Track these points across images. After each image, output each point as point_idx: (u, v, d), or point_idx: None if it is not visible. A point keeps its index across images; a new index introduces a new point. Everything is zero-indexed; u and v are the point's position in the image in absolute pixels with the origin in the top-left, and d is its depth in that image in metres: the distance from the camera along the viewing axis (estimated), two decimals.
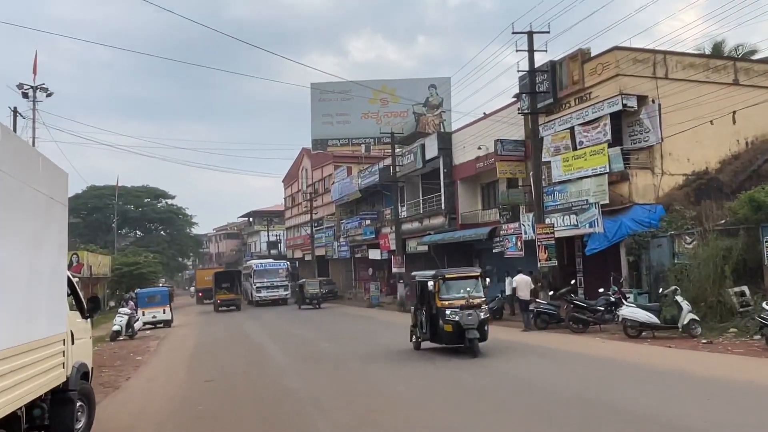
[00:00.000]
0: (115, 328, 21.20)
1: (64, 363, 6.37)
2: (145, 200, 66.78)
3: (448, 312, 12.41)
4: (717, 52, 24.42)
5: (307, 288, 34.94)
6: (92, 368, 7.95)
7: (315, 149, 54.34)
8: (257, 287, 39.64)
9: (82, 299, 7.78)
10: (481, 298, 12.89)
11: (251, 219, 79.48)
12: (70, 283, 6.99)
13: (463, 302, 12.46)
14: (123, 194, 61.50)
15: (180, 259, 74.32)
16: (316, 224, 50.33)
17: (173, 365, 13.95)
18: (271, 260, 46.03)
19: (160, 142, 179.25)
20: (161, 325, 25.95)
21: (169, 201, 69.35)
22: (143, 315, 24.98)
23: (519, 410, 7.72)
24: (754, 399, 7.73)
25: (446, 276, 13.15)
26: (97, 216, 62.27)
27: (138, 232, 69.06)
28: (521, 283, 18.41)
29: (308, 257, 52.79)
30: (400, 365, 12.01)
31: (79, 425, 6.90)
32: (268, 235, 65.88)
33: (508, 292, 21.57)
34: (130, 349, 17.95)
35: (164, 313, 26.11)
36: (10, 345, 4.75)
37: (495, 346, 13.55)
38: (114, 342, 20.44)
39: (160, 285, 41.66)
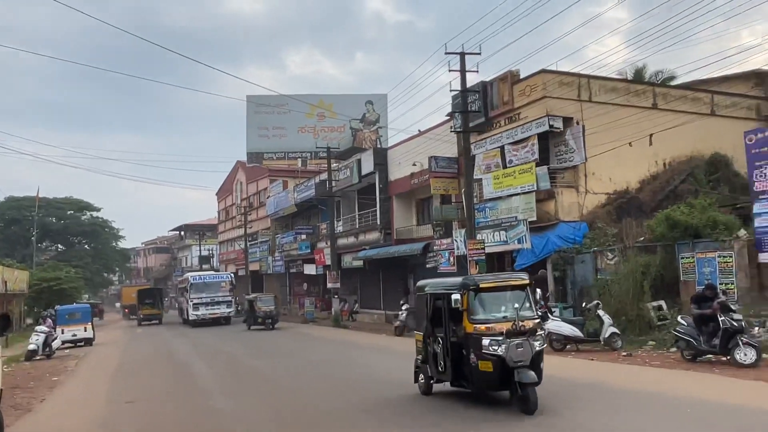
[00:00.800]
0: (31, 347, 20.05)
1: None
2: (68, 212, 63.90)
3: (485, 342, 8.22)
4: (638, 77, 25.78)
5: (259, 305, 30.20)
6: (1, 390, 7.48)
7: (250, 162, 53.57)
8: (194, 304, 34.31)
9: None
10: (534, 319, 8.73)
11: (182, 233, 77.35)
12: None
13: (508, 326, 8.27)
14: (44, 206, 58.64)
15: (105, 275, 71.36)
16: (250, 238, 49.48)
17: (93, 386, 13.31)
18: (211, 272, 42.16)
19: (88, 153, 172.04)
20: (82, 343, 24.73)
21: (95, 213, 66.64)
22: (62, 333, 23.76)
23: None
24: (661, 409, 8.10)
25: (481, 285, 8.80)
26: (15, 228, 59.08)
27: (60, 246, 65.89)
28: None
29: (242, 272, 51.75)
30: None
31: None
32: (200, 249, 64.19)
33: None
34: (46, 369, 17.01)
35: (85, 330, 24.92)
36: None
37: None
38: (30, 362, 19.31)
39: (84, 301, 39.76)
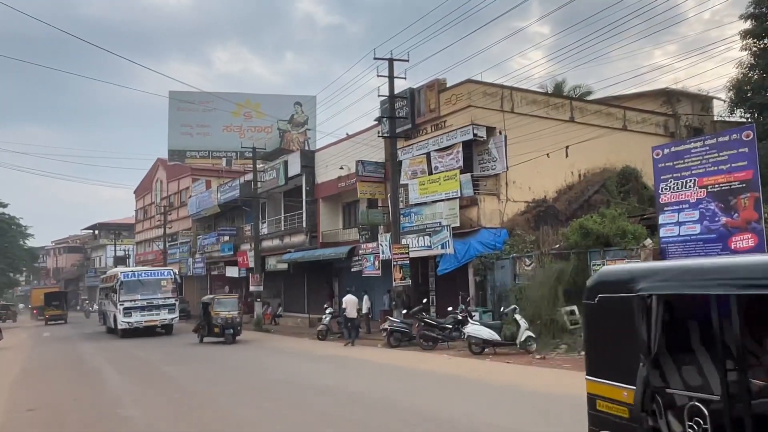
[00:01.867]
0: None
1: None
2: None
3: None
4: (558, 91, 26.89)
5: (217, 309, 22.67)
6: None
7: (172, 160, 51.91)
8: (126, 308, 26.68)
9: None
10: None
11: (96, 232, 73.94)
12: None
13: None
14: None
15: (11, 275, 66.98)
16: (170, 239, 47.91)
17: None
18: (148, 268, 34.19)
19: None
20: None
21: (1, 210, 62.51)
22: None
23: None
24: (567, 408, 8.45)
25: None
26: None
27: None
28: (349, 303, 20.48)
29: None
30: None
31: None
32: (115, 249, 61.53)
33: (364, 310, 22.38)
34: None
35: None
36: None
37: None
38: None
39: None
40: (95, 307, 66.52)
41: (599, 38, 25.57)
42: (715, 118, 26.09)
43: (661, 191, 14.77)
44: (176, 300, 28.26)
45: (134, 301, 26.94)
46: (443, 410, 8.62)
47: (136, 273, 29.18)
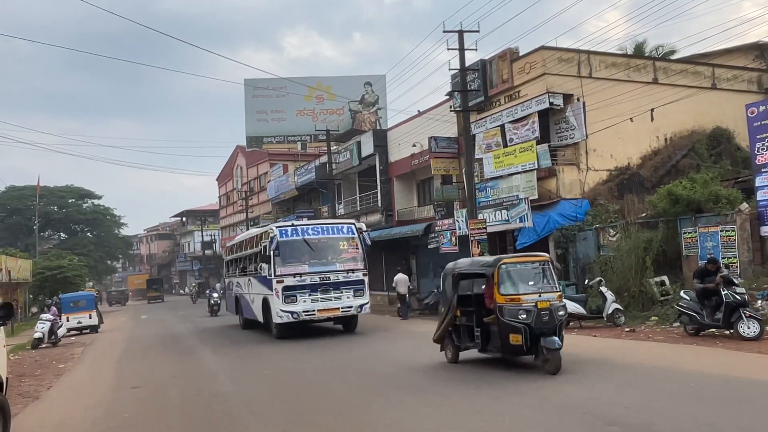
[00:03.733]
0: (37, 335, 20.16)
1: None
2: (70, 201, 63.93)
3: (514, 311, 9.09)
4: (639, 52, 25.52)
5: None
6: (7, 378, 7.51)
7: (250, 147, 53.42)
8: (287, 287, 16.49)
9: None
10: (556, 291, 9.66)
11: (184, 219, 77.41)
12: None
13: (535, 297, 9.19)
14: (45, 195, 58.65)
15: (108, 262, 71.59)
16: (252, 223, 49.51)
17: (99, 372, 13.39)
18: (317, 222, 20.61)
19: (87, 140, 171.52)
20: (87, 330, 24.89)
21: (96, 201, 66.73)
22: (67, 321, 23.90)
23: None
24: (667, 383, 8.12)
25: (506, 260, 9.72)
26: (17, 218, 59.14)
27: (62, 235, 66.03)
28: (399, 281, 22.46)
29: None
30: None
31: None
32: (202, 235, 64.27)
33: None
34: (52, 356, 17.11)
35: (90, 318, 25.05)
36: None
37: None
38: (35, 350, 19.43)
39: (86, 289, 39.95)
40: (186, 290, 70.19)
41: None
42: None
43: (758, 152, 13.83)
44: (365, 273, 17.37)
45: (300, 276, 16.47)
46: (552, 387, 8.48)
47: (300, 229, 17.45)
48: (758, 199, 13.76)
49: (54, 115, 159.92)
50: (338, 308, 16.50)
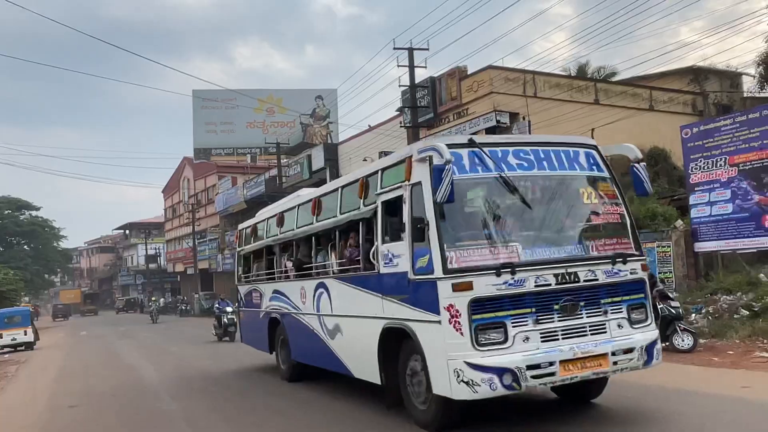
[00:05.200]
0: None
1: None
2: (6, 212, 61.34)
3: None
4: (581, 73, 26.50)
5: None
6: None
7: (198, 158, 52.58)
8: (481, 305, 5.69)
9: None
10: None
11: (127, 231, 75.34)
12: None
13: None
14: None
15: (46, 276, 68.85)
16: (199, 236, 48.60)
17: (34, 391, 12.82)
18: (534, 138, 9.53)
19: (25, 149, 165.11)
20: (22, 348, 23.81)
21: (34, 213, 64.18)
22: (1, 338, 22.84)
23: None
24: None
25: None
26: None
27: None
28: None
29: (190, 271, 50.85)
30: None
31: None
32: (146, 248, 62.64)
33: None
34: None
35: (25, 334, 23.96)
36: None
37: None
38: None
39: (22, 304, 38.25)
40: (117, 305, 68.36)
41: (624, 16, 25.17)
42: (745, 95, 25.46)
43: (691, 171, 14.50)
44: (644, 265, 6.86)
45: (516, 273, 5.82)
46: None
47: (496, 154, 6.34)
48: (692, 216, 14.41)
49: None
50: (605, 354, 6.07)
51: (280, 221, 10.73)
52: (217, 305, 21.52)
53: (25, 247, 62.84)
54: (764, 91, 22.86)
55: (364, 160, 26.96)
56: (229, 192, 43.49)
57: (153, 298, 46.53)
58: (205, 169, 50.60)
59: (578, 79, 23.63)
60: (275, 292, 10.89)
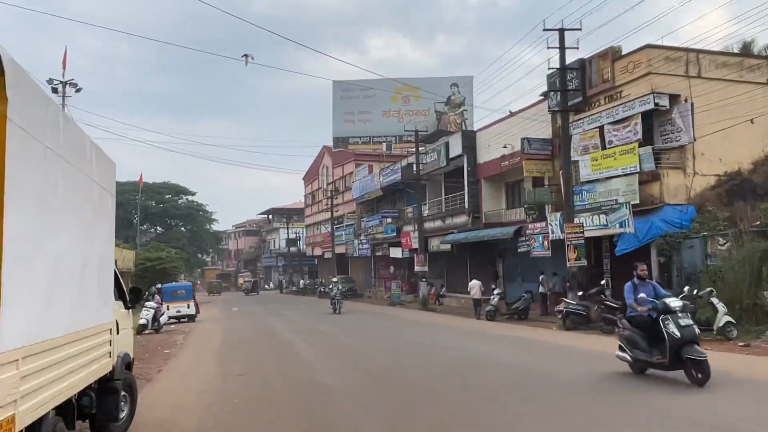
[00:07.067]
0: (142, 321, 21.32)
1: (110, 352, 6.38)
2: (167, 196, 67.36)
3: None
4: (747, 51, 23.98)
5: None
6: (133, 358, 7.97)
7: (336, 147, 54.44)
8: None
9: (125, 290, 7.82)
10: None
11: (270, 216, 79.87)
12: (114, 274, 6.99)
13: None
14: (145, 190, 62.13)
15: (200, 255, 74.92)
16: (336, 222, 50.40)
17: (203, 359, 13.99)
18: None
19: (182, 138, 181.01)
20: (185, 319, 26.11)
21: (190, 197, 69.95)
22: (168, 309, 25.16)
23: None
24: None
25: None
26: (119, 212, 62.57)
27: (159, 228, 69.69)
28: (474, 287, 23.62)
29: (328, 255, 52.93)
30: None
31: (123, 414, 6.91)
32: (287, 232, 66.06)
33: (542, 290, 22.51)
34: (157, 342, 18.04)
35: (188, 307, 26.27)
36: (67, 332, 4.74)
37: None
38: (140, 335, 20.55)
39: (179, 281, 41.96)
40: (271, 284, 72.55)
41: None
42: None
43: None
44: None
45: None
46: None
47: None
48: None
49: (153, 115, 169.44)
50: None
51: None
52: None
53: (182, 228, 68.72)
54: None
55: (504, 147, 26.41)
56: (365, 179, 44.60)
57: (335, 280, 35.48)
58: (343, 157, 52.30)
59: (749, 56, 21.33)
60: None
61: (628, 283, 9.76)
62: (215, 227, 76.10)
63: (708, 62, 19.44)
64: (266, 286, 71.44)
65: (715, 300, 13.72)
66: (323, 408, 8.12)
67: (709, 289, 14.12)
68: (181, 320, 26.00)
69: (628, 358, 9.48)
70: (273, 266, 76.65)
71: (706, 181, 18.88)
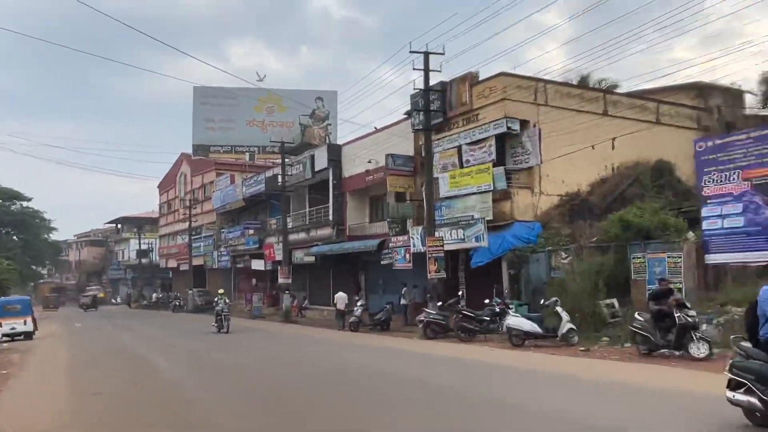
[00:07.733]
0: None
1: None
2: None
3: None
4: (584, 84, 26.74)
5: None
6: None
7: (196, 155, 52.36)
8: None
9: None
10: None
11: (119, 225, 74.71)
12: None
13: None
14: None
15: (34, 267, 68.11)
16: (194, 233, 48.38)
17: (50, 378, 12.78)
18: None
19: (18, 138, 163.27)
20: (21, 337, 23.56)
21: (25, 203, 63.49)
22: (0, 326, 22.62)
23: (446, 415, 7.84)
24: (628, 396, 8.58)
25: None
26: None
27: None
28: (339, 299, 24.63)
29: (184, 267, 50.60)
30: None
31: None
32: (139, 243, 62.17)
33: (403, 302, 23.27)
34: None
35: (25, 324, 23.68)
36: None
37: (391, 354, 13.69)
38: None
39: (10, 295, 37.80)
40: (118, 299, 67.45)
41: (620, 29, 25.35)
42: (747, 112, 25.84)
43: (704, 184, 14.78)
44: None
45: None
46: (540, 404, 8.42)
47: None
48: (704, 228, 14.68)
49: None
50: None
51: None
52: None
53: (14, 237, 62.13)
54: (767, 108, 23.26)
55: (369, 161, 27.11)
56: (227, 189, 43.38)
57: (221, 292, 27.35)
58: (203, 166, 50.45)
59: (588, 89, 23.86)
60: None
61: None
62: (54, 236, 69.74)
63: (554, 92, 21.43)
64: (113, 300, 66.34)
65: (559, 309, 15.09)
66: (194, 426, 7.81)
67: (554, 298, 15.50)
68: (16, 338, 23.44)
69: (757, 403, 6.15)
70: (122, 278, 71.62)
71: (551, 201, 20.72)
